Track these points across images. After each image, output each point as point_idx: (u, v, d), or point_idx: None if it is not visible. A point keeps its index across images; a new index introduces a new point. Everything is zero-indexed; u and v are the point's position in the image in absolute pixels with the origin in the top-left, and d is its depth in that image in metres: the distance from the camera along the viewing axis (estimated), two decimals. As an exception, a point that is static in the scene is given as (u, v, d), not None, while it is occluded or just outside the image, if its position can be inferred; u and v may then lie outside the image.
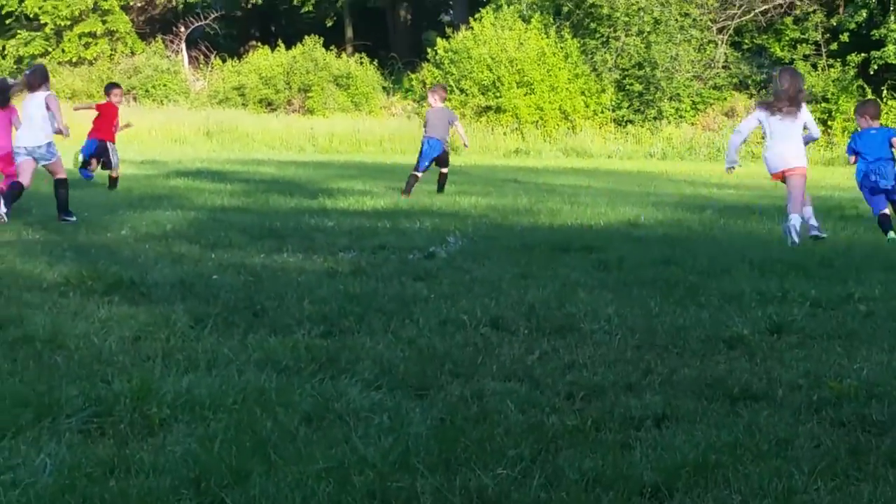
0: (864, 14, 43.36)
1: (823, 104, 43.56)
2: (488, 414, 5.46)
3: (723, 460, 4.81)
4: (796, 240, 12.83)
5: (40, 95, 15.27)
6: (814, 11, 45.36)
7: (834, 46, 44.42)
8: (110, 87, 21.46)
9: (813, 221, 13.61)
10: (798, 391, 5.96)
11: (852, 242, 12.94)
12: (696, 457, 4.84)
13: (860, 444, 5.06)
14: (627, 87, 45.32)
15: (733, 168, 14.40)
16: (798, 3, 45.43)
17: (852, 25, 43.46)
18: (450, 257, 11.12)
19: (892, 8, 43.95)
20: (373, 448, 4.85)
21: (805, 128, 13.67)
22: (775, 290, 9.05)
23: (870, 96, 42.28)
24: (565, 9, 47.31)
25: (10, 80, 16.55)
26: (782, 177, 13.62)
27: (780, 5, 45.77)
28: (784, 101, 13.56)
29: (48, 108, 15.20)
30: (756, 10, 46.01)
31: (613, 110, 45.59)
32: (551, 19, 47.04)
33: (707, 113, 44.97)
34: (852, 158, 14.17)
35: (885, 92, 42.17)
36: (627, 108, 45.51)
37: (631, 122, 45.05)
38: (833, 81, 43.77)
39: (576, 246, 12.06)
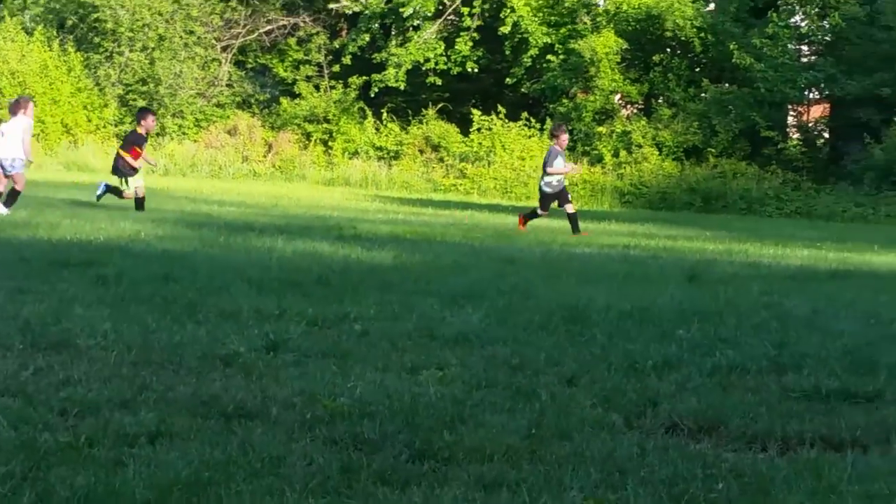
0: (367, 38, 44.63)
1: (325, 125, 44.59)
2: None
3: (216, 478, 4.78)
4: None
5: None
6: (317, 33, 46.37)
7: (336, 68, 45.47)
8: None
9: None
10: (292, 409, 5.99)
11: (349, 262, 13.22)
12: (189, 474, 4.79)
13: (352, 461, 5.14)
14: (130, 102, 44.74)
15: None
16: (302, 24, 46.28)
17: (355, 49, 44.64)
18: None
19: (393, 33, 45.52)
20: None
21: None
22: (273, 308, 9.11)
23: (370, 118, 43.69)
24: (69, 22, 46.37)
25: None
26: None
27: (284, 26, 46.51)
28: None
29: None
30: (260, 31, 46.56)
31: (116, 125, 44.98)
32: (55, 32, 45.97)
33: (210, 130, 45.05)
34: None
35: (384, 115, 43.59)
36: (130, 123, 44.93)
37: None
38: (335, 103, 44.85)
39: (74, 261, 11.77)
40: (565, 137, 21.66)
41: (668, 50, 44.03)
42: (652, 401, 6.37)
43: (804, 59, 43.36)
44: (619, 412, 6.14)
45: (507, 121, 42.39)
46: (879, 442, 5.73)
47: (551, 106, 43.18)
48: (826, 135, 44.95)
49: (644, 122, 41.89)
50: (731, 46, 40.41)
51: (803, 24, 43.22)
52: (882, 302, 11.31)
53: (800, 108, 45.37)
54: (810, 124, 44.56)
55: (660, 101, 43.82)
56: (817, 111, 45.89)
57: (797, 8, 42.66)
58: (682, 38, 42.07)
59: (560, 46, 42.99)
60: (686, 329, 8.77)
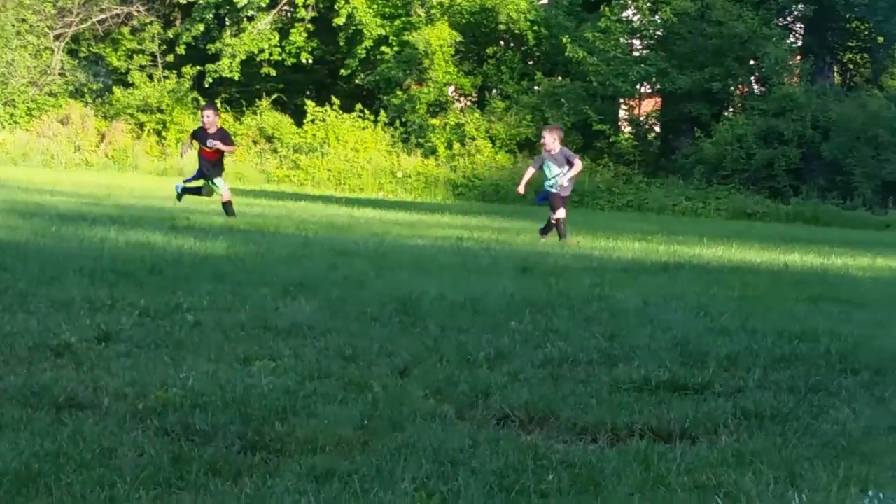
0: (201, 28, 44.17)
1: (159, 115, 44.07)
2: None
3: (46, 469, 4.70)
4: None
5: None
6: (151, 23, 45.74)
7: (170, 58, 44.95)
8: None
9: None
10: (124, 400, 5.91)
11: (182, 253, 13.08)
12: (18, 465, 4.70)
13: (183, 452, 5.08)
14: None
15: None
16: (136, 13, 45.62)
17: (189, 38, 44.16)
18: None
19: (228, 23, 45.13)
20: None
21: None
22: (105, 299, 8.97)
23: (204, 108, 43.21)
24: None
25: None
26: None
27: (118, 15, 45.78)
28: None
29: None
30: (94, 19, 45.77)
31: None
32: None
33: (42, 119, 44.19)
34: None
35: (219, 105, 43.15)
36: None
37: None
38: (169, 93, 44.32)
39: None
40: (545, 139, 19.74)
41: (502, 43, 44.36)
42: (484, 392, 6.41)
43: (636, 54, 44.03)
44: (451, 403, 6.17)
45: (341, 112, 42.34)
46: (708, 433, 5.84)
47: (385, 98, 43.24)
48: (657, 129, 45.74)
49: (477, 115, 42.17)
50: (565, 40, 40.86)
51: (635, 19, 43.87)
52: (711, 295, 11.53)
53: (631, 102, 46.10)
54: (642, 118, 45.30)
55: (493, 93, 44.15)
56: (649, 105, 46.66)
57: (629, 2, 43.28)
58: (516, 32, 42.42)
59: (394, 38, 43.07)
60: (518, 321, 8.84)
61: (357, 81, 44.52)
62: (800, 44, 46.74)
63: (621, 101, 44.99)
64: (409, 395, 6.25)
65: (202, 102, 43.47)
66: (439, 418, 5.85)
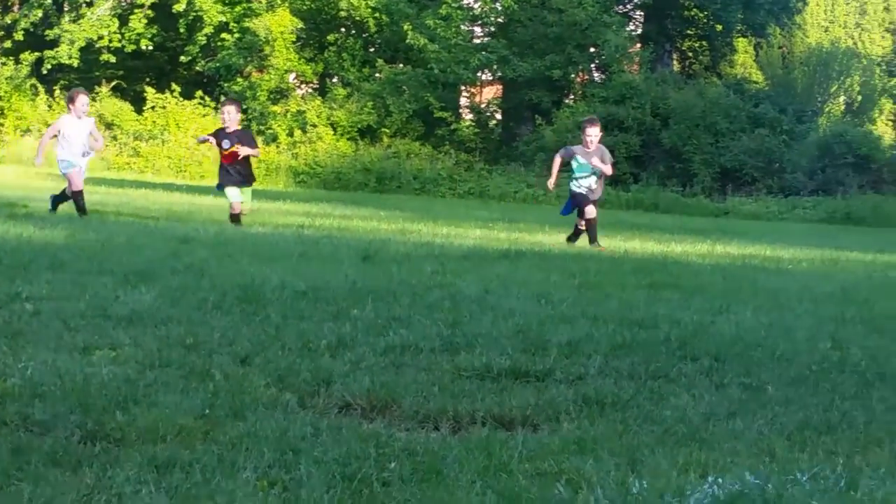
0: (39, 14, 43.35)
1: (-5, 102, 43.21)
2: None
3: None
4: None
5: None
6: (-10, 7, 44.87)
7: (8, 44, 44.05)
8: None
9: None
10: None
11: (21, 241, 12.83)
12: None
13: (22, 443, 4.98)
14: None
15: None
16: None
17: (27, 24, 43.30)
18: None
19: (66, 9, 44.32)
20: None
21: None
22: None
23: (43, 95, 42.39)
24: None
25: None
26: None
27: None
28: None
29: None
30: None
31: None
32: None
33: None
34: None
35: (57, 91, 42.40)
36: None
37: None
38: (6, 79, 43.34)
39: None
40: (589, 134, 17.82)
41: (343, 30, 44.31)
42: (325, 380, 6.38)
43: (477, 41, 44.26)
44: (292, 392, 6.14)
45: (181, 99, 41.91)
46: (549, 420, 5.88)
47: (226, 85, 42.90)
48: (498, 116, 46.03)
49: (319, 102, 42.06)
50: (406, 27, 40.96)
51: (476, 6, 44.11)
52: (553, 282, 11.64)
53: (473, 90, 46.31)
54: (483, 105, 45.53)
55: (334, 80, 44.06)
56: (490, 92, 46.93)
57: (470, -11, 43.57)
58: (357, 19, 42.41)
59: (235, 25, 42.74)
60: (360, 308, 8.83)
61: (197, 68, 44.11)
62: (639, 31, 47.47)
63: (462, 88, 45.21)
64: (250, 384, 6.21)
65: (41, 89, 42.65)
66: (281, 407, 5.82)
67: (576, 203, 17.58)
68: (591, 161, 17.44)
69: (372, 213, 23.60)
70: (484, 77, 45.43)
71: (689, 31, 48.87)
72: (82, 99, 18.34)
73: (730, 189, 39.31)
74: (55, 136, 18.11)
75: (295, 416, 5.65)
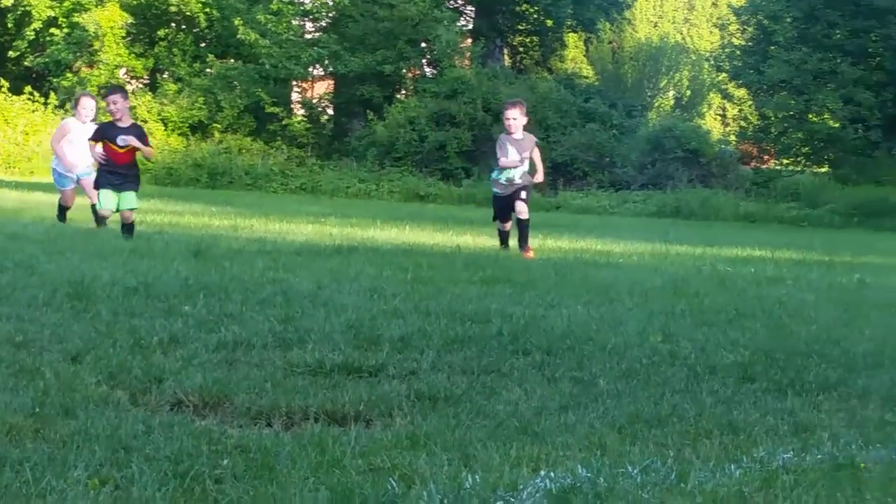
0: None
1: None
2: None
3: None
4: None
5: None
6: None
7: None
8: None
9: None
10: None
11: None
12: None
13: None
14: None
15: None
16: None
17: None
18: None
19: None
20: None
21: None
22: None
23: None
24: None
25: None
26: None
27: None
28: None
29: None
30: None
31: None
32: None
33: None
34: None
35: None
36: None
37: None
38: None
39: None
40: (508, 118, 16.25)
41: (174, 25, 43.83)
42: (157, 377, 6.33)
43: (309, 36, 44.15)
44: (124, 389, 6.08)
45: (10, 94, 41.08)
46: (382, 415, 5.90)
47: (55, 80, 42.13)
48: (330, 111, 45.97)
49: (149, 97, 41.59)
50: (237, 22, 40.72)
51: (308, 1, 43.99)
52: (385, 277, 11.67)
53: (304, 85, 46.19)
54: (315, 101, 45.44)
55: (165, 76, 43.59)
56: (322, 87, 46.86)
57: (302, -16, 43.47)
58: (188, 14, 42.00)
59: (64, 20, 42.00)
60: (192, 305, 8.77)
61: (26, 63, 43.24)
62: (471, 27, 47.76)
63: (294, 83, 45.05)
64: (81, 382, 6.13)
65: None
66: (112, 404, 5.76)
67: (499, 206, 16.27)
68: (521, 152, 15.99)
69: (203, 208, 23.41)
70: (316, 72, 45.32)
71: (519, 27, 49.33)
72: (85, 102, 17.53)
73: (561, 183, 39.75)
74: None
75: (126, 414, 5.60)
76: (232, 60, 42.72)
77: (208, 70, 42.44)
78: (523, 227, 15.92)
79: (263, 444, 5.22)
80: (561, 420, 5.94)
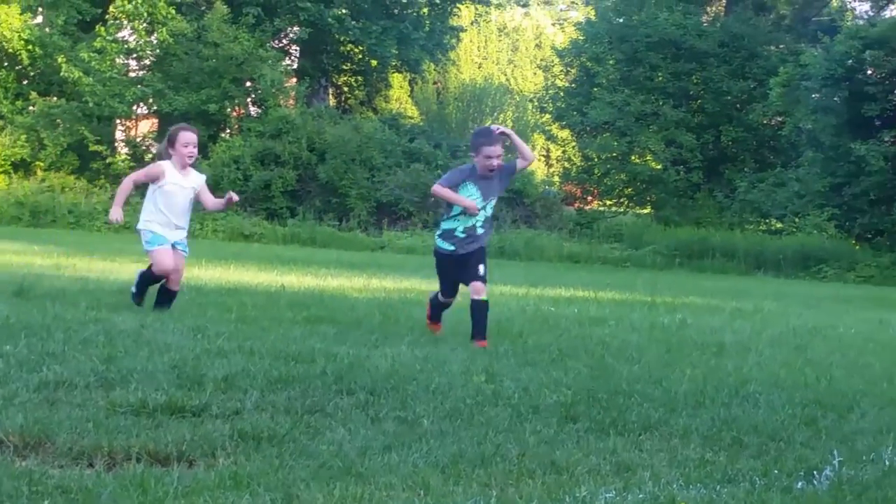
0: None
1: None
2: None
3: None
4: None
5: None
6: None
7: None
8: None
9: None
10: None
11: None
12: None
13: None
14: None
15: None
16: None
17: None
18: None
19: None
20: None
21: None
22: None
23: None
24: None
25: None
26: None
27: None
28: None
29: None
30: None
31: None
32: None
33: None
34: None
35: None
36: None
37: None
38: None
39: None
40: (491, 156, 11.16)
41: (-4, 62, 43.15)
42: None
43: (133, 74, 43.71)
44: (-60, 432, 5.98)
45: None
46: (205, 455, 5.88)
47: None
48: (154, 150, 45.48)
49: (-30, 135, 40.81)
50: (60, 60, 40.23)
51: (132, 39, 43.56)
52: (209, 316, 11.62)
53: (128, 123, 45.70)
54: (139, 139, 44.97)
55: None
56: (146, 126, 46.41)
57: (125, 23, 42.99)
58: (10, 51, 41.34)
59: None
60: (13, 344, 8.63)
61: None
62: (296, 66, 47.74)
63: (118, 121, 44.55)
64: None
65: None
66: (-72, 448, 5.66)
67: (446, 271, 11.69)
68: (486, 197, 11.40)
69: (25, 247, 22.99)
70: (140, 111, 44.86)
71: (344, 66, 49.45)
72: (186, 138, 12.91)
73: (386, 223, 39.89)
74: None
75: (-61, 457, 5.51)
76: (55, 98, 42.09)
77: (31, 108, 41.78)
78: (481, 313, 11.15)
79: (85, 484, 5.18)
80: (384, 460, 5.95)
